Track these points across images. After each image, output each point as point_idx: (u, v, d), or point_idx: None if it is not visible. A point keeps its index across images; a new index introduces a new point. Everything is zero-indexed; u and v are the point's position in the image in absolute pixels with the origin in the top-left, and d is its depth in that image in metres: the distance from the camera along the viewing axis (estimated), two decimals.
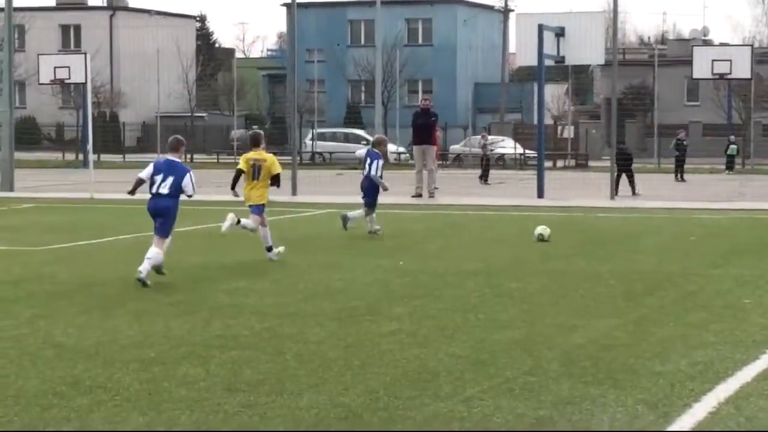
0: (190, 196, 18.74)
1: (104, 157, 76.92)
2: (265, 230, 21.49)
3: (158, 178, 18.40)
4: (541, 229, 23.85)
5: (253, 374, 11.35)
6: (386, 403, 10.22)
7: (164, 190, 18.29)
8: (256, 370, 11.55)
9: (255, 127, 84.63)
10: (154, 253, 18.00)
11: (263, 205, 21.45)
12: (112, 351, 12.59)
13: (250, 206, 21.67)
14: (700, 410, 10.04)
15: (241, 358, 12.16)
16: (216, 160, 77.98)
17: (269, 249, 21.34)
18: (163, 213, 18.47)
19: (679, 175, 55.85)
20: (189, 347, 12.83)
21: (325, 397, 10.39)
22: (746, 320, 14.77)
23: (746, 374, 11.37)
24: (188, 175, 18.47)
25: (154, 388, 10.75)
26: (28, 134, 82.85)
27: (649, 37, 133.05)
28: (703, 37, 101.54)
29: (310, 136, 75.03)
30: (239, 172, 21.74)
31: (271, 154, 22.25)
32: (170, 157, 18.98)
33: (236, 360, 12.05)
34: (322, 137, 77.96)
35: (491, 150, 58.75)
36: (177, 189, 18.42)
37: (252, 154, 21.71)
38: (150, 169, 18.62)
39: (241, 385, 10.84)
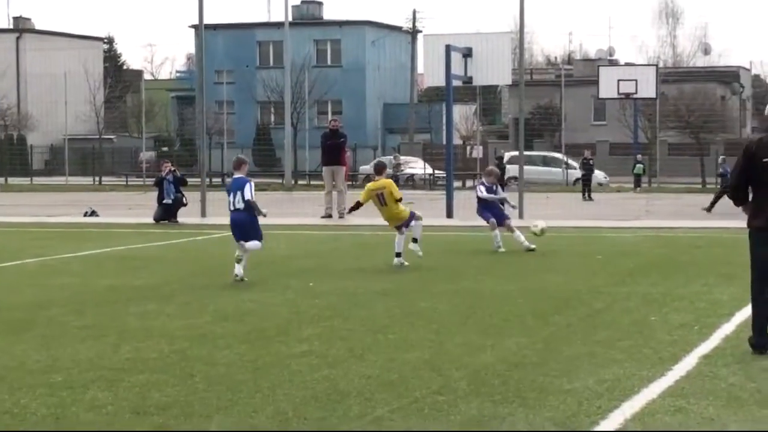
0: (247, 201, 20.99)
1: (11, 180, 76.34)
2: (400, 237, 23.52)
3: (230, 197, 21.35)
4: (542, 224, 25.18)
5: (161, 397, 11.26)
6: (296, 425, 10.22)
7: (239, 205, 21.12)
8: (165, 393, 11.46)
9: (165, 149, 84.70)
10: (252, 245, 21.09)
11: (410, 217, 23.64)
12: (19, 376, 12.44)
13: (398, 227, 23.68)
14: (607, 427, 10.11)
15: (149, 381, 12.06)
16: (125, 183, 77.69)
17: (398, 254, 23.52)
18: (242, 225, 21.31)
19: (586, 194, 56.42)
20: (97, 371, 12.69)
21: (234, 420, 10.36)
22: (653, 337, 14.86)
23: (653, 390, 11.43)
24: (247, 184, 21.22)
25: (61, 413, 10.65)
26: None
27: (556, 57, 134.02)
28: (609, 57, 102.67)
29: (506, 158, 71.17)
30: (358, 204, 24.38)
31: (389, 180, 25.02)
32: (236, 175, 21.77)
33: (145, 383, 11.93)
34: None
35: (402, 170, 59.01)
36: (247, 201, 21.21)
37: (373, 185, 23.90)
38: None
39: (149, 409, 10.75)
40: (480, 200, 27.21)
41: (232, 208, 21.40)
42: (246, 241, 21.05)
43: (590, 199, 55.68)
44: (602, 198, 57.22)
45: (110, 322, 16.67)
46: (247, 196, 21.83)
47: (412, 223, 23.58)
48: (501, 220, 26.52)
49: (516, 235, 26.37)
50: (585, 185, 57.86)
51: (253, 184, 21.89)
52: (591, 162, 59.10)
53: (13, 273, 24.29)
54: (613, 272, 23.13)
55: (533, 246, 25.98)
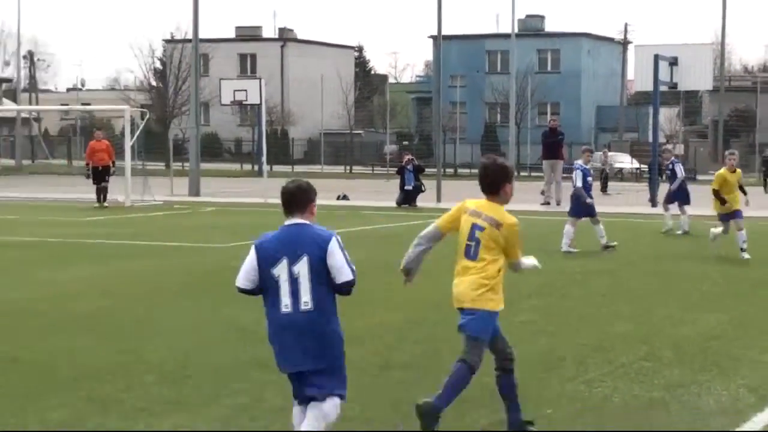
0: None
1: (275, 167, 77.77)
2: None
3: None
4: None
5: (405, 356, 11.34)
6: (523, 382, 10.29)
7: None
8: (406, 352, 11.56)
9: (405, 143, 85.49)
10: None
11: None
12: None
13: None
14: None
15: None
16: (371, 171, 78.78)
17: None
18: None
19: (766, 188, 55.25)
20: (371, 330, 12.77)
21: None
22: None
23: None
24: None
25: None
26: (211, 148, 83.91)
27: (752, 66, 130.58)
28: None
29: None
30: None
31: None
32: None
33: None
34: None
35: (611, 165, 58.66)
36: None
37: None
38: None
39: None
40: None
41: None
42: None
43: None
44: None
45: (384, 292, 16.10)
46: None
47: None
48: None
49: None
50: (766, 179, 56.61)
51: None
52: None
53: None
54: None
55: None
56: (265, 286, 7.43)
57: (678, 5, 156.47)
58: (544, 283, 17.83)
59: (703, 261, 21.46)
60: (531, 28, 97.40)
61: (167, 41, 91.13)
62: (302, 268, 7.32)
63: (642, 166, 67.65)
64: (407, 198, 38.38)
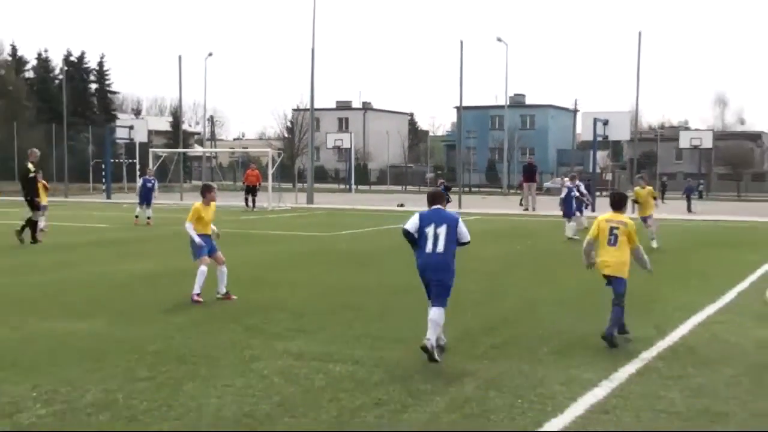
0: None
1: (360, 187, 77.60)
2: None
3: None
4: None
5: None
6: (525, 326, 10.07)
7: None
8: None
9: (439, 172, 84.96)
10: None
11: None
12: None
13: None
14: None
15: None
16: (418, 189, 78.25)
17: None
18: None
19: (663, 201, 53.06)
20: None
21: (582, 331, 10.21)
22: None
23: None
24: None
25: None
26: (320, 175, 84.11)
27: (654, 125, 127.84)
28: None
29: None
30: None
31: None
32: None
33: None
34: None
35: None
36: None
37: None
38: None
39: None
40: None
41: None
42: None
43: None
44: None
45: None
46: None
47: None
48: None
49: None
50: (663, 196, 53.72)
51: None
52: None
53: (365, 236, 24.54)
54: None
55: None
56: (419, 236, 8.15)
57: (607, 85, 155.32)
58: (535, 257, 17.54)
59: None
60: (517, 102, 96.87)
61: (294, 109, 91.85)
62: (442, 230, 8.09)
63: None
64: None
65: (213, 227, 11.86)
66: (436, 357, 7.76)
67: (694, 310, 11.03)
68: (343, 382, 7.06)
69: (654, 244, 19.74)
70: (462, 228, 8.18)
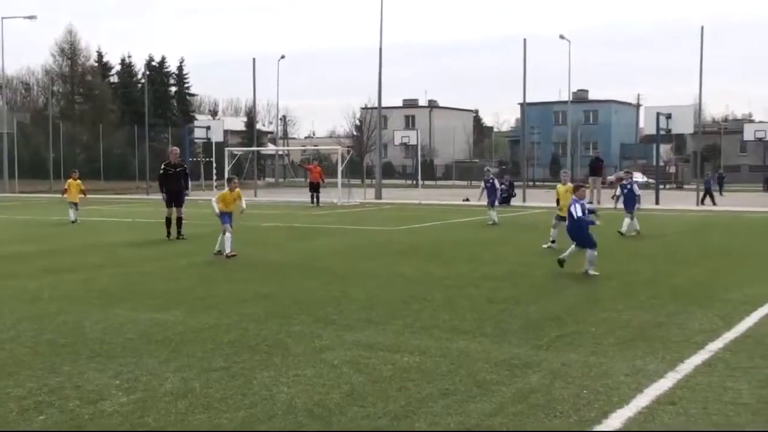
0: None
1: (426, 182, 77.62)
2: None
3: None
4: None
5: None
6: (575, 310, 9.93)
7: None
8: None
9: (503, 167, 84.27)
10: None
11: None
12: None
13: None
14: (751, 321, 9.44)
15: None
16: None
17: None
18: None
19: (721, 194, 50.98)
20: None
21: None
22: None
23: None
24: None
25: None
26: (387, 170, 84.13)
27: (717, 118, 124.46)
28: None
29: None
30: None
31: None
32: None
33: None
34: None
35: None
36: None
37: None
38: None
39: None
40: None
41: None
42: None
43: None
44: None
45: (492, 254, 16.37)
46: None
47: None
48: None
49: None
50: (720, 189, 51.46)
51: None
52: None
53: (431, 229, 24.44)
54: None
55: None
56: None
57: (669, 79, 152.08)
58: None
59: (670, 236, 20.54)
60: (580, 98, 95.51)
61: (363, 108, 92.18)
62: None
63: (650, 179, 65.82)
64: (505, 200, 37.78)
65: (242, 205, 15.84)
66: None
67: (760, 302, 10.66)
68: (410, 372, 6.99)
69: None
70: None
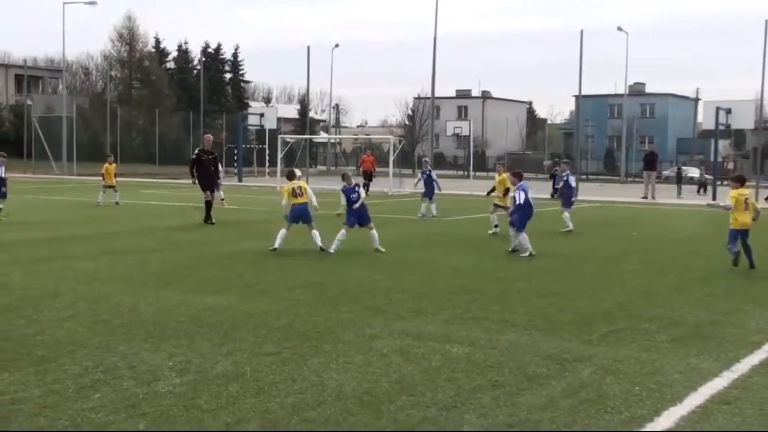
0: None
1: (477, 173, 77.27)
2: None
3: None
4: None
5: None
6: (630, 309, 9.79)
7: None
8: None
9: (556, 159, 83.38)
10: None
11: None
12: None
13: None
14: None
15: None
16: (535, 176, 76.94)
17: None
18: None
19: None
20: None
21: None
22: None
23: None
24: None
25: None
26: (438, 161, 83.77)
27: None
28: None
29: None
30: None
31: None
32: None
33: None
34: None
35: (685, 174, 55.50)
36: None
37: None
38: None
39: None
40: None
41: None
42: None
43: None
44: None
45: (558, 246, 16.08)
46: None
47: None
48: None
49: None
50: None
51: None
52: None
53: (476, 221, 24.32)
54: None
55: None
56: None
57: (730, 73, 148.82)
58: (640, 247, 17.05)
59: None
60: (636, 90, 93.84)
61: (415, 98, 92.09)
62: None
63: (707, 175, 64.53)
64: (557, 192, 37.44)
65: (313, 201, 15.13)
66: None
67: None
68: (459, 363, 6.97)
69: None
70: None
